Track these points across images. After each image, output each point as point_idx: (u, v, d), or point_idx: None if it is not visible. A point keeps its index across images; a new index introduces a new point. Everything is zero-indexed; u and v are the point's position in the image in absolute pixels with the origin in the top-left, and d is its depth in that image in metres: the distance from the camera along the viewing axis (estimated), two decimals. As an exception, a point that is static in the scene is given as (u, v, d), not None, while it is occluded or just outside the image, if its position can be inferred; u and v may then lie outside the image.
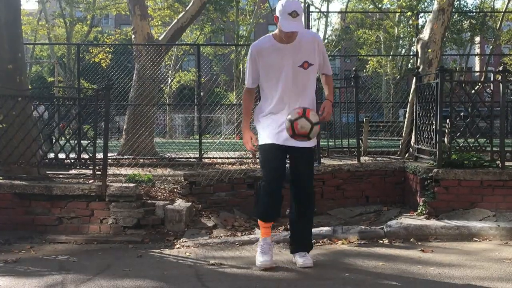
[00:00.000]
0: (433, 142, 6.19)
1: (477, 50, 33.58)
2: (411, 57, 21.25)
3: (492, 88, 6.31)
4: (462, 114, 6.29)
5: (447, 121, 6.41)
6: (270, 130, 3.96)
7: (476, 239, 4.93)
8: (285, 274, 3.87)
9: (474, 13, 24.05)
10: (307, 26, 9.07)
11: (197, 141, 9.85)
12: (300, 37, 3.85)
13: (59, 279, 3.80)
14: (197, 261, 4.30)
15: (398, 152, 8.17)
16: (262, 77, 3.98)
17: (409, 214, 5.92)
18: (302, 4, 30.53)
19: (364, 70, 27.48)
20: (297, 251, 4.10)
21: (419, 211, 5.86)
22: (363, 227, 5.26)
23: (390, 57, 27.57)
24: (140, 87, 10.21)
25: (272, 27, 37.15)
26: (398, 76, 28.08)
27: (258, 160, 4.51)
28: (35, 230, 5.30)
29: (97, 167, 5.55)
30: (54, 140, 6.07)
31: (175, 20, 11.21)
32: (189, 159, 9.19)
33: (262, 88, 4.05)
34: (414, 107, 7.15)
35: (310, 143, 3.97)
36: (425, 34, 7.95)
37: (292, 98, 3.90)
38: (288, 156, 4.04)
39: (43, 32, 26.76)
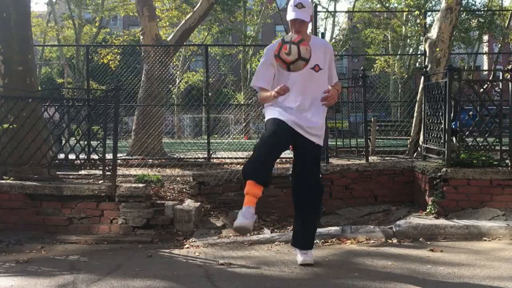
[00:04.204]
0: (441, 141, 6.18)
1: (486, 49, 33.36)
2: (419, 56, 21.12)
3: (501, 86, 6.27)
4: (471, 113, 6.26)
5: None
6: (281, 111, 3.89)
7: (486, 239, 4.92)
8: (295, 273, 3.88)
9: (482, 12, 23.91)
10: (315, 25, 9.05)
11: (206, 141, 9.88)
12: (312, 42, 3.83)
13: (70, 279, 3.83)
14: (206, 261, 4.32)
15: (407, 152, 8.15)
16: (275, 78, 3.95)
17: (418, 214, 5.90)
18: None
19: (372, 70, 27.38)
20: (297, 246, 4.12)
21: (428, 210, 5.85)
22: (371, 226, 5.26)
23: (398, 56, 27.45)
24: (149, 88, 10.26)
25: (280, 27, 37.12)
26: (406, 75, 27.96)
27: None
28: (46, 230, 5.35)
29: (106, 168, 5.59)
30: (64, 141, 6.13)
31: (183, 21, 11.24)
32: (197, 159, 9.22)
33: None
34: (423, 106, 7.14)
35: (319, 141, 3.98)
36: (433, 33, 7.93)
37: (303, 97, 3.90)
38: (293, 153, 4.06)
39: (52, 33, 26.99)
